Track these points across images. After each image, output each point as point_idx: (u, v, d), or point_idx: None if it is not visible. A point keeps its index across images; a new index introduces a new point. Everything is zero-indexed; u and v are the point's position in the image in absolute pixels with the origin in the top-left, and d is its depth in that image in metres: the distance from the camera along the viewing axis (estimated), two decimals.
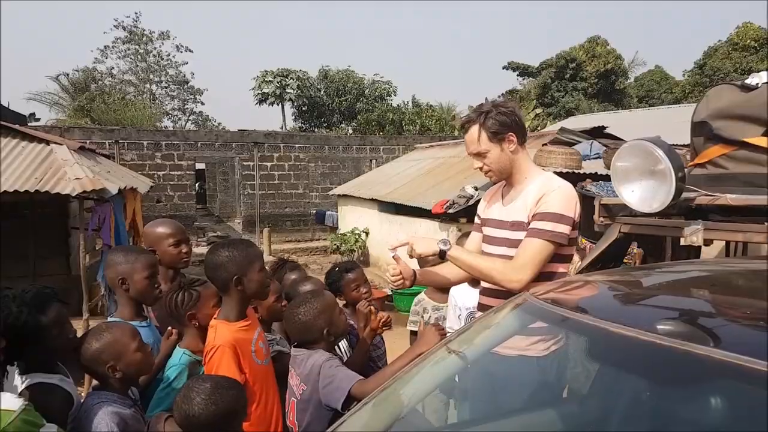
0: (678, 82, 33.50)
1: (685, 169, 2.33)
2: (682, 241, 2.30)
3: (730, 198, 2.28)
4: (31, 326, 1.79)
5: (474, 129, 2.33)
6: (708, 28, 79.55)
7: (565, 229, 2.25)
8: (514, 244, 2.33)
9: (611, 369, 1.81)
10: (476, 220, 2.68)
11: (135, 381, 2.11)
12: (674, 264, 2.64)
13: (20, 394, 1.72)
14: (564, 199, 2.28)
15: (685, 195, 2.35)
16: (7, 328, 1.70)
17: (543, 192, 2.30)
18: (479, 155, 2.36)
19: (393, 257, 2.49)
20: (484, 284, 2.53)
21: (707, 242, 2.28)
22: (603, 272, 2.36)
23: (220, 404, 1.79)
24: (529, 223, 2.30)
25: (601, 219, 2.76)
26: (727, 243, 3.21)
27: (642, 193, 2.40)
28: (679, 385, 1.45)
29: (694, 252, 3.12)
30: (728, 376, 1.23)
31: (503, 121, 2.29)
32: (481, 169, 2.40)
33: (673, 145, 2.43)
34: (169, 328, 2.41)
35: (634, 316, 1.58)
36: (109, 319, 2.42)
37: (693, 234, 2.19)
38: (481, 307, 2.49)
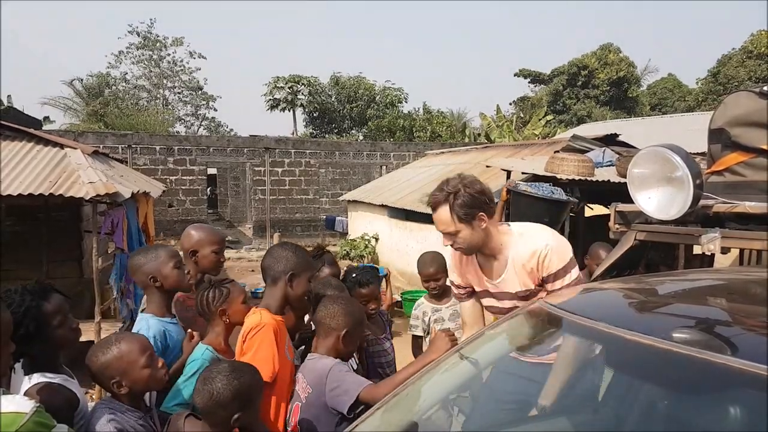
0: (691, 90, 33.29)
1: (702, 177, 2.30)
2: (699, 249, 2.27)
3: (749, 206, 2.24)
4: (34, 313, 1.81)
5: (443, 210, 2.27)
6: (722, 36, 79.22)
7: (578, 271, 2.34)
8: (525, 299, 2.36)
9: (626, 376, 1.80)
10: (456, 290, 2.66)
11: (145, 394, 2.06)
12: (688, 272, 2.60)
13: (25, 394, 1.72)
14: (560, 252, 2.32)
15: (702, 202, 2.33)
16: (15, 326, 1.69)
17: (537, 255, 2.29)
18: (450, 234, 2.31)
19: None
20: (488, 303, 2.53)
21: (724, 250, 2.25)
22: (617, 280, 2.33)
23: (241, 380, 1.84)
24: (541, 287, 2.33)
25: (617, 226, 2.73)
26: (741, 252, 3.16)
27: (659, 200, 2.37)
28: (695, 393, 1.44)
29: (707, 260, 3.07)
30: (745, 385, 1.22)
31: (472, 203, 2.24)
32: (451, 245, 2.36)
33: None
34: (189, 330, 2.42)
35: (650, 323, 1.57)
36: (140, 314, 2.45)
37: (710, 242, 2.16)
38: None
